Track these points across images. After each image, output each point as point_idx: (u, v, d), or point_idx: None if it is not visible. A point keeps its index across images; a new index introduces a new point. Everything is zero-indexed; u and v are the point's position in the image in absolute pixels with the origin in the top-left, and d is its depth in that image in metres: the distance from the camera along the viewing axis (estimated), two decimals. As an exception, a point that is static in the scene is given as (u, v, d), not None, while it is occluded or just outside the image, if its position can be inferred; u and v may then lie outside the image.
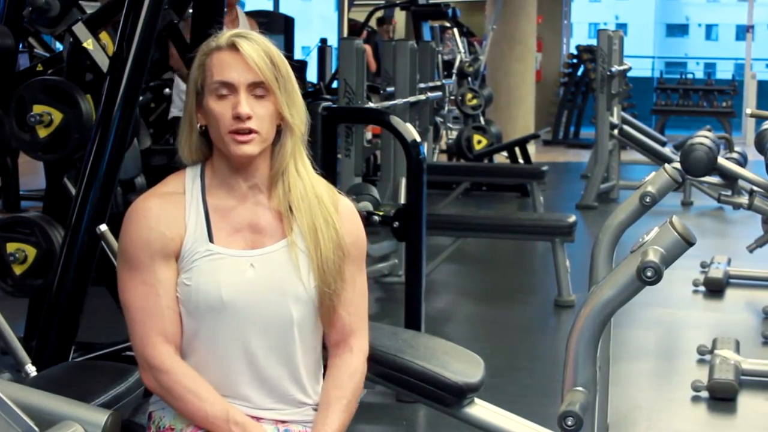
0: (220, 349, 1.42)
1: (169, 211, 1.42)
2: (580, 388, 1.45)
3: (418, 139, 3.07)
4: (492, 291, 4.37)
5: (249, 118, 1.39)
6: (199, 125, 1.44)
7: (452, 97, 6.85)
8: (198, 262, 1.41)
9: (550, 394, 2.77)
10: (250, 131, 1.40)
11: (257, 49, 1.40)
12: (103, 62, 2.55)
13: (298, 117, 1.44)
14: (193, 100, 1.43)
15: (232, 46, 1.40)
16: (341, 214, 1.47)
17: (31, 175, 4.42)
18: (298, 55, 9.45)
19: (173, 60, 3.35)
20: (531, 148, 7.14)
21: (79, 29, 2.57)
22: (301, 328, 1.44)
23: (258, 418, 1.43)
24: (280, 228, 1.44)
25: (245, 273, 1.41)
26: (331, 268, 1.43)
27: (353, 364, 1.48)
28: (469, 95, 6.73)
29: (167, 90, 3.29)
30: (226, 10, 3.57)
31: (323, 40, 7.75)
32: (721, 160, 3.33)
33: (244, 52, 1.39)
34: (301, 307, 1.43)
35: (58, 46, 4.00)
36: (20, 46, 3.28)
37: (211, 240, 1.42)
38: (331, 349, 1.49)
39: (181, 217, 1.42)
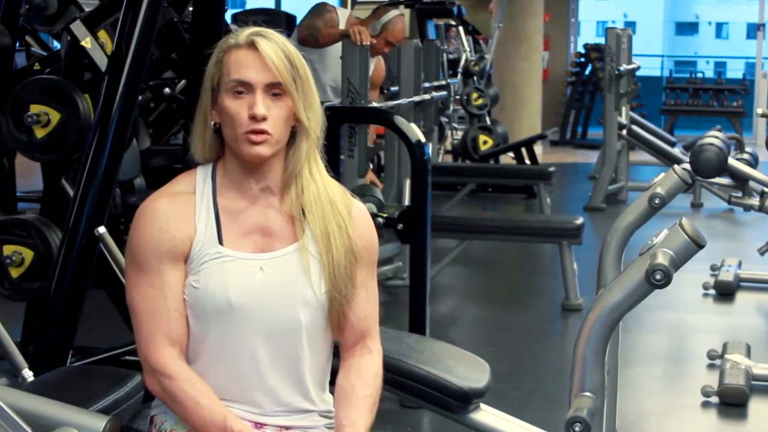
0: (226, 353, 1.41)
1: (179, 211, 1.41)
2: (587, 394, 1.44)
3: (423, 140, 3.03)
4: (498, 294, 4.34)
5: (264, 119, 1.38)
6: (213, 123, 1.42)
7: (457, 97, 6.81)
8: (207, 264, 1.39)
9: (557, 399, 2.73)
10: (264, 132, 1.38)
11: (276, 49, 1.39)
12: (102, 61, 2.53)
13: (315, 120, 1.42)
14: (208, 97, 1.42)
15: (251, 45, 1.39)
16: (354, 219, 1.45)
17: (29, 176, 4.41)
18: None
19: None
20: (538, 148, 7.10)
21: (77, 27, 2.55)
22: (309, 334, 1.42)
23: (262, 424, 1.42)
24: (292, 231, 1.42)
25: (254, 276, 1.40)
26: (342, 273, 1.41)
27: (377, 365, 1.47)
28: (475, 95, 6.69)
29: (167, 90, 3.27)
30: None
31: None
32: (732, 161, 3.29)
33: (262, 52, 1.38)
34: (311, 312, 1.41)
35: (56, 44, 3.99)
36: (17, 44, 3.27)
37: (220, 242, 1.40)
38: (347, 351, 1.48)
39: (191, 218, 1.41)
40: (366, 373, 1.46)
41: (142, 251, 1.40)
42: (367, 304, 1.46)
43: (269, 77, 1.38)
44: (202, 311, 1.39)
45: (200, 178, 1.43)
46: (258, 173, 1.41)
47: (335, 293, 1.41)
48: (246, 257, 1.40)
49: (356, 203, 1.48)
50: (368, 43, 3.53)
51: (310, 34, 3.68)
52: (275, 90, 1.39)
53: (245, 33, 1.40)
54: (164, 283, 1.39)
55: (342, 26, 3.80)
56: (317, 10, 3.84)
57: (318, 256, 1.41)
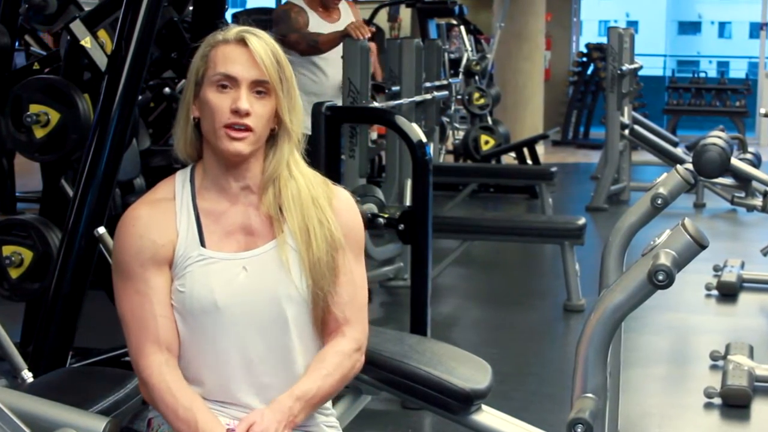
0: (217, 355, 1.40)
1: (159, 218, 1.41)
2: (590, 395, 1.42)
3: (424, 140, 3.02)
4: (499, 295, 4.32)
5: (247, 114, 1.37)
6: (192, 117, 1.41)
7: (459, 97, 6.80)
8: (191, 267, 1.40)
9: (559, 400, 2.73)
10: (246, 128, 1.37)
11: (265, 47, 1.39)
12: (102, 61, 2.53)
13: (296, 123, 1.42)
14: (191, 91, 1.42)
15: (241, 41, 1.39)
16: (336, 208, 1.45)
17: (28, 176, 4.40)
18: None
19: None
20: (540, 148, 7.08)
21: (77, 27, 2.54)
22: (298, 329, 1.42)
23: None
24: (272, 229, 1.42)
25: (238, 276, 1.40)
26: (323, 269, 1.41)
27: (341, 344, 1.44)
28: (477, 94, 6.67)
29: (167, 90, 3.26)
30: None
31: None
32: (735, 161, 3.28)
33: (252, 48, 1.38)
34: (295, 307, 1.41)
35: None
36: (16, 44, 3.27)
37: (203, 244, 1.40)
38: (325, 338, 1.46)
39: (171, 224, 1.41)
40: (325, 351, 1.43)
41: (125, 260, 1.40)
42: (347, 289, 1.44)
43: (256, 74, 1.38)
44: (190, 314, 1.39)
45: (179, 183, 1.43)
46: (237, 172, 1.41)
47: (317, 289, 1.40)
48: (229, 257, 1.40)
49: (337, 191, 1.47)
50: (369, 35, 3.49)
51: (309, 46, 3.61)
52: (260, 88, 1.38)
53: (235, 30, 1.41)
54: (150, 290, 1.39)
55: (309, 12, 3.72)
56: (281, 18, 3.66)
57: (298, 251, 1.40)
